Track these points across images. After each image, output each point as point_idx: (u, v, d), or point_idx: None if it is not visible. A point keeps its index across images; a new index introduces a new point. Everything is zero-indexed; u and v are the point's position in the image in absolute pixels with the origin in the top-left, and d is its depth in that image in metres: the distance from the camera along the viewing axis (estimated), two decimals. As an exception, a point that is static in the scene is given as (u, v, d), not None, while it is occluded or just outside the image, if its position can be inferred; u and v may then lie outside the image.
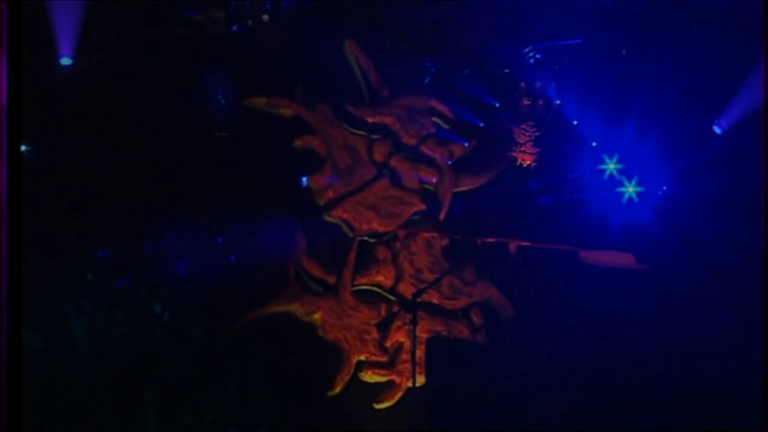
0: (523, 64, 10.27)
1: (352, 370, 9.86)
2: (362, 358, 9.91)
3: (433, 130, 10.41)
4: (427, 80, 10.36)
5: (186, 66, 9.84)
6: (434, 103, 10.42)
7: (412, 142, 10.34)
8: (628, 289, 9.93)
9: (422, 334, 9.79)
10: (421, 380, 9.54)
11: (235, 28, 9.74)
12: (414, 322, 7.90)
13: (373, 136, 10.29)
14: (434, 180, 10.35)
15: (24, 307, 6.51)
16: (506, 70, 10.42)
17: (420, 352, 9.42)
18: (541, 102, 10.36)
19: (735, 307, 9.65)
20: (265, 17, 9.53)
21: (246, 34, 9.76)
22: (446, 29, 10.11)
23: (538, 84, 10.36)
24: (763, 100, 8.99)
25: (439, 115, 10.45)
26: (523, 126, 10.34)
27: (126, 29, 9.66)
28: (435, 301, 10.12)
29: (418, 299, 9.85)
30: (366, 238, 10.16)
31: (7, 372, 5.95)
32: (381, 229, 10.18)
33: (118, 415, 8.91)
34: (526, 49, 10.11)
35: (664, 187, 10.19)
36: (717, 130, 10.13)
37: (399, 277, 10.10)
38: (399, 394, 9.85)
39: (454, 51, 10.29)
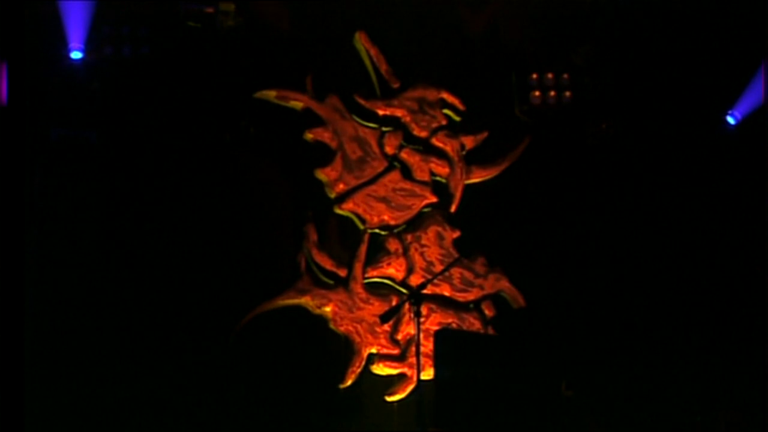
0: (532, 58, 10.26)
1: (363, 362, 9.84)
2: (373, 350, 9.88)
3: (444, 122, 10.37)
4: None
5: (196, 58, 9.86)
6: (445, 95, 10.38)
7: (423, 134, 10.30)
8: (640, 285, 9.91)
9: (433, 327, 9.78)
10: (428, 373, 9.58)
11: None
12: (418, 314, 7.81)
13: (384, 129, 10.28)
14: (445, 172, 10.31)
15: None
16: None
17: (428, 345, 9.41)
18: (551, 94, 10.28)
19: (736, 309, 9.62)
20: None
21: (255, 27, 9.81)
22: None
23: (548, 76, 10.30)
24: (763, 100, 8.94)
25: (450, 107, 10.40)
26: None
27: (136, 22, 9.68)
28: (446, 293, 10.10)
29: (428, 291, 9.79)
30: (377, 230, 10.14)
31: (7, 371, 6.02)
32: (392, 222, 10.15)
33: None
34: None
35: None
36: (731, 120, 10.04)
37: (410, 270, 10.07)
38: (410, 387, 9.83)
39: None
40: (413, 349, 9.84)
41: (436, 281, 9.99)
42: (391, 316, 7.71)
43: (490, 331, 10.05)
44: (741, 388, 9.41)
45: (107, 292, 9.40)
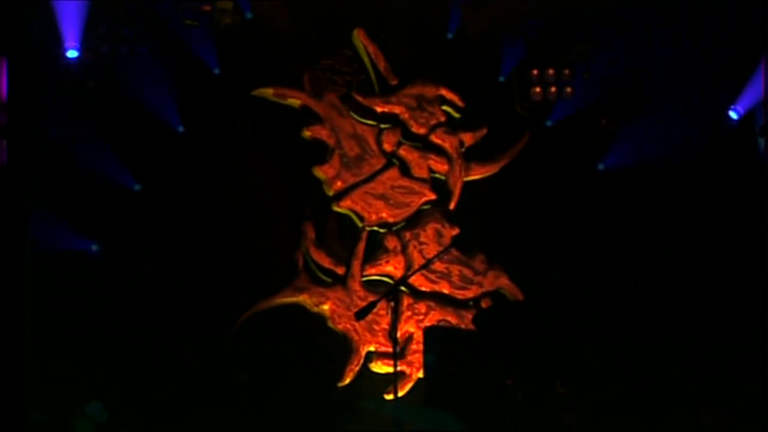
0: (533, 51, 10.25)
1: (361, 360, 9.81)
2: (372, 348, 9.86)
3: (443, 119, 10.34)
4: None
5: (194, 57, 9.83)
6: (444, 92, 10.35)
7: (422, 131, 10.27)
8: (639, 282, 9.90)
9: (430, 324, 9.79)
10: (414, 372, 9.76)
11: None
12: (396, 311, 7.71)
13: (382, 126, 10.25)
14: (444, 169, 10.28)
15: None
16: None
17: (420, 343, 9.45)
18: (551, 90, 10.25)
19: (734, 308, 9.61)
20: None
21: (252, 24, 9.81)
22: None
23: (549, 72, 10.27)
24: (763, 98, 8.94)
25: (449, 103, 10.37)
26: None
27: (133, 20, 9.63)
28: (445, 291, 10.06)
29: (426, 289, 10.01)
30: (375, 228, 10.10)
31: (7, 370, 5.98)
32: (390, 220, 10.12)
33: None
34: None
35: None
36: (733, 115, 9.99)
37: (408, 268, 10.00)
38: (409, 385, 9.80)
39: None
40: (412, 346, 9.83)
41: (434, 278, 10.01)
42: (366, 312, 7.57)
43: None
44: (736, 388, 9.40)
45: (104, 290, 9.39)
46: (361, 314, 7.57)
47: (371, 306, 7.49)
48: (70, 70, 9.38)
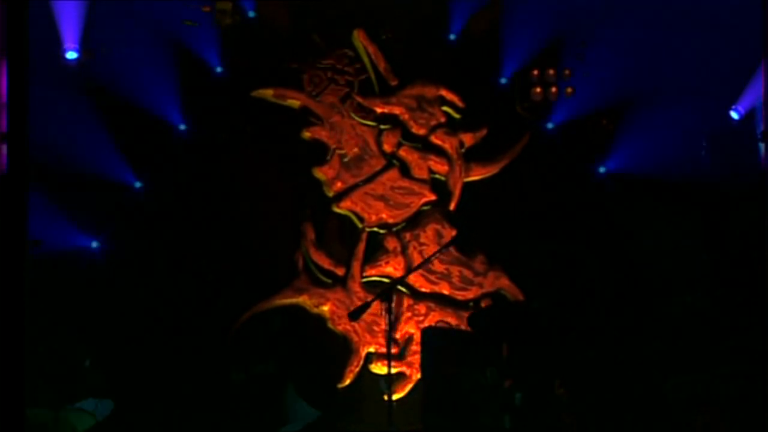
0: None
1: (361, 361, 9.81)
2: (372, 349, 9.85)
3: (443, 119, 10.32)
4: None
5: (195, 56, 9.83)
6: (444, 92, 10.34)
7: (422, 132, 10.25)
8: (637, 283, 9.89)
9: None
10: (414, 373, 9.74)
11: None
12: (390, 311, 7.68)
13: (382, 127, 10.24)
14: (444, 170, 10.27)
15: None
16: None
17: (415, 344, 9.37)
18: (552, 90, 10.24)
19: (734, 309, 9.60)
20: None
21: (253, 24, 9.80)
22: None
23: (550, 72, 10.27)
24: (764, 97, 8.92)
25: (450, 104, 10.36)
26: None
27: (132, 22, 9.63)
28: (445, 292, 10.06)
29: (427, 290, 10.01)
30: (375, 229, 10.09)
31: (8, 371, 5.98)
32: (390, 220, 10.11)
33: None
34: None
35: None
36: (735, 115, 9.98)
37: (408, 269, 10.02)
38: (409, 386, 9.80)
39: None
40: (412, 347, 9.82)
41: (434, 279, 10.00)
42: (360, 313, 7.55)
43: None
44: (736, 389, 9.38)
45: (104, 289, 9.39)
46: (355, 315, 7.54)
47: (365, 307, 7.45)
48: (70, 70, 9.38)
